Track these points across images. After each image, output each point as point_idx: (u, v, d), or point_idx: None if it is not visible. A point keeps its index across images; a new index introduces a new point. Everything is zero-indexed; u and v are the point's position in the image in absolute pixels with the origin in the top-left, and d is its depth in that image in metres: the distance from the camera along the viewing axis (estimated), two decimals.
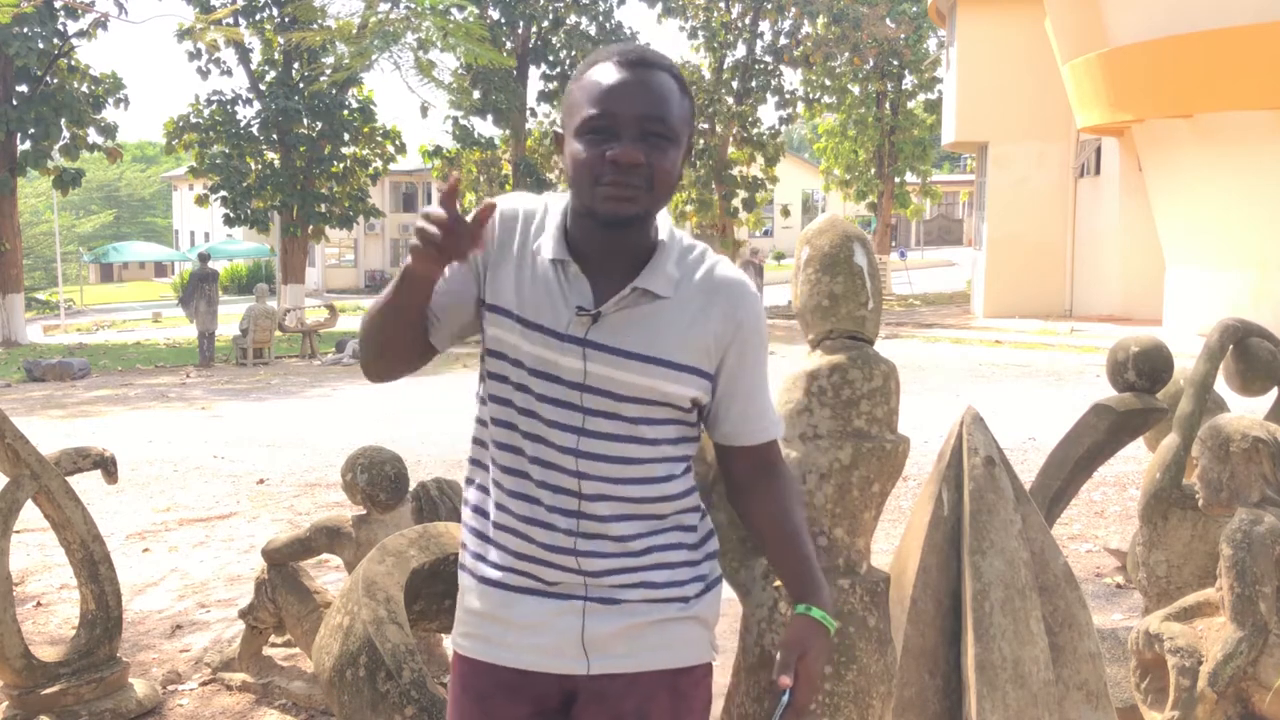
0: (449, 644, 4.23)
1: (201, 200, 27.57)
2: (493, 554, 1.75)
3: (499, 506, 1.75)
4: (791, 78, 42.57)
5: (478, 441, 1.80)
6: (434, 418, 11.24)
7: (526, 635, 1.73)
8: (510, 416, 1.72)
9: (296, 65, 26.07)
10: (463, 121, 27.09)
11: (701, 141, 28.99)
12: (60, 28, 23.11)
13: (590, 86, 1.64)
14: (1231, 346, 3.92)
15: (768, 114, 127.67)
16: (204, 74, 26.67)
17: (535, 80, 28.16)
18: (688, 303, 1.71)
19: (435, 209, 1.54)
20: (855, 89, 30.54)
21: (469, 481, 1.82)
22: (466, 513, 1.83)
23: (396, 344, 1.74)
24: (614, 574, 1.72)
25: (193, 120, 26.36)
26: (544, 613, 1.72)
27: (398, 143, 28.41)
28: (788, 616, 2.00)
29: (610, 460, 1.70)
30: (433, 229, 1.53)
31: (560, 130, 1.72)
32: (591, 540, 1.71)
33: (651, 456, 1.72)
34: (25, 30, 21.76)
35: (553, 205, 1.76)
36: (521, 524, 1.72)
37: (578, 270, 1.68)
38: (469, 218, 1.55)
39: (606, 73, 1.64)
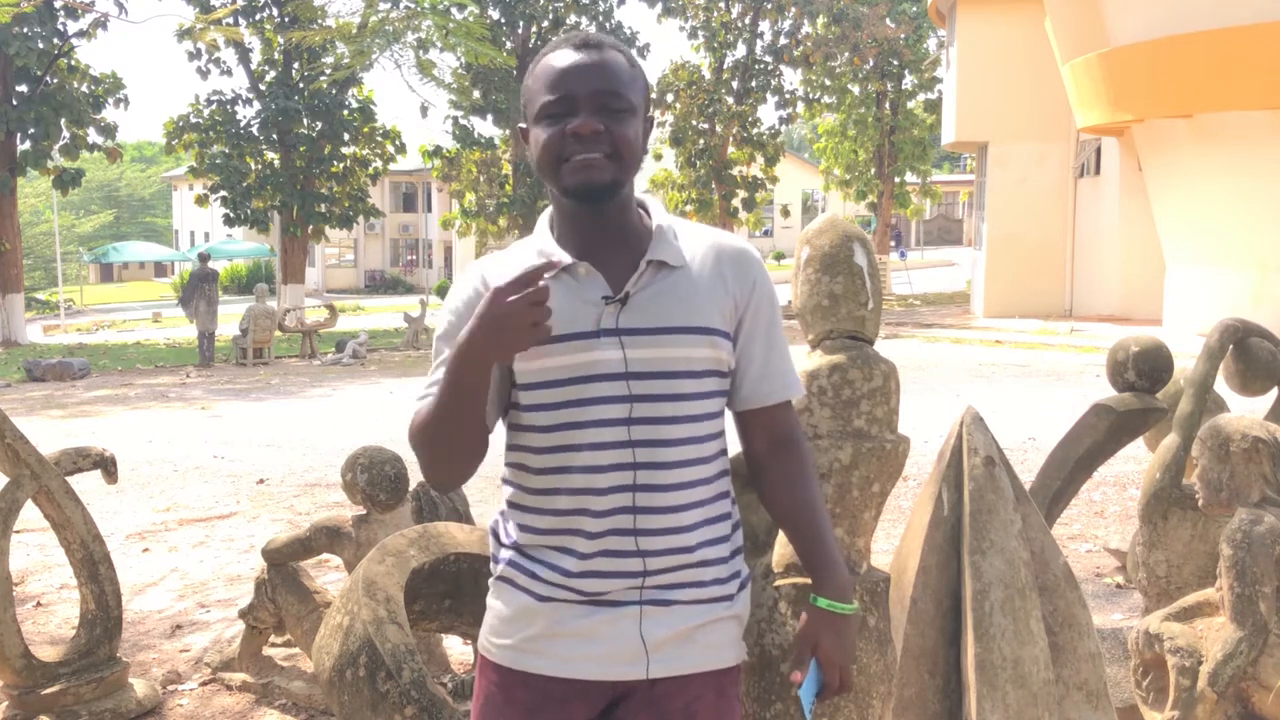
0: (449, 644, 4.24)
1: (201, 200, 27.60)
2: (541, 570, 1.74)
3: (548, 530, 1.74)
4: (791, 78, 42.69)
5: (514, 473, 1.79)
6: None
7: (582, 645, 1.72)
8: (558, 439, 1.70)
9: (296, 65, 26.09)
10: (463, 121, 27.11)
11: (701, 141, 29.00)
12: (60, 28, 23.13)
13: (544, 74, 1.69)
14: (1231, 346, 3.92)
15: (768, 114, 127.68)
16: (204, 74, 26.70)
17: None
18: (702, 270, 1.74)
19: (528, 286, 1.51)
20: (855, 89, 30.54)
21: (516, 492, 1.80)
22: (506, 529, 1.81)
23: (465, 446, 1.66)
24: (668, 571, 1.72)
25: (193, 120, 26.39)
26: (598, 621, 1.71)
27: (398, 143, 28.43)
28: (788, 616, 2.00)
29: (664, 444, 1.69)
30: (538, 292, 1.50)
31: (524, 125, 1.75)
32: (654, 537, 1.70)
33: (700, 434, 1.73)
34: (25, 30, 21.78)
35: (527, 240, 1.79)
36: (569, 538, 1.72)
37: (588, 267, 1.70)
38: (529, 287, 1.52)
39: (558, 58, 1.69)
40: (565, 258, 1.70)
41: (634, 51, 27.59)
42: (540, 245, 1.75)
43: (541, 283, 1.52)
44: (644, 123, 1.73)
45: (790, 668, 1.81)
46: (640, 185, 1.81)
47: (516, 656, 1.76)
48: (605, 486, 1.69)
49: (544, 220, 1.79)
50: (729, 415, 1.84)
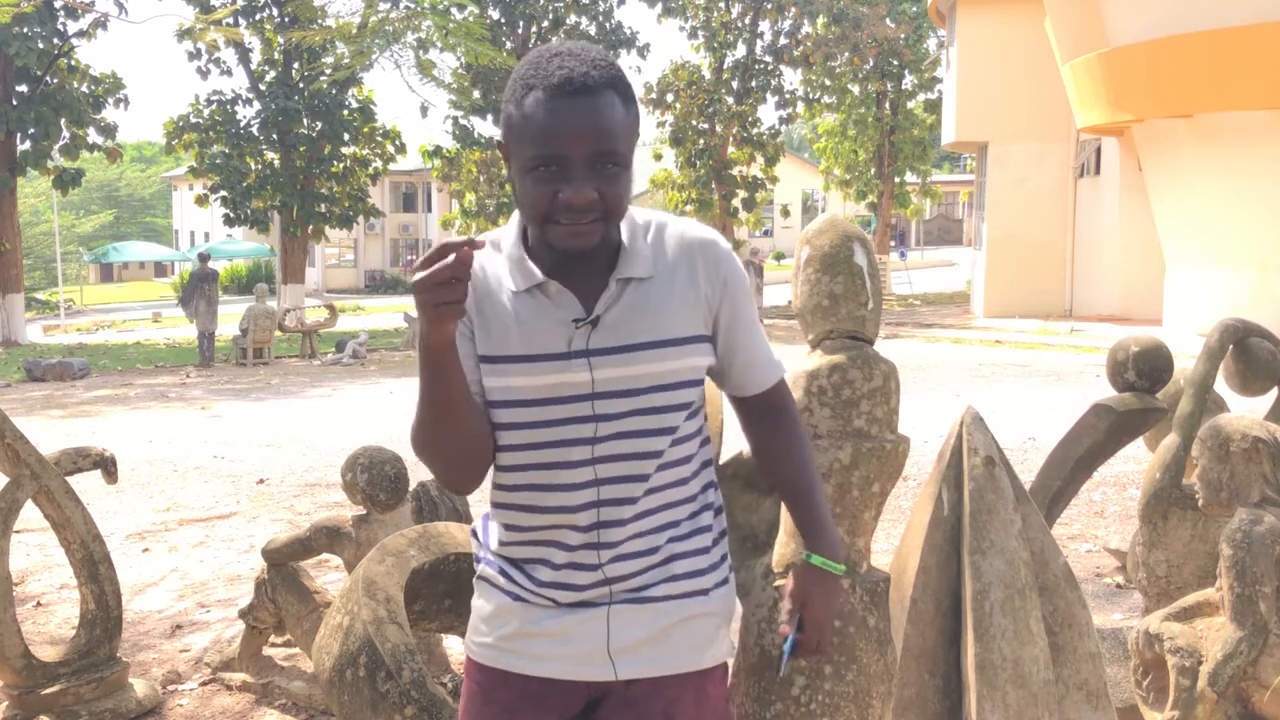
0: (449, 644, 4.24)
1: (201, 200, 27.59)
2: (519, 576, 1.76)
3: (523, 542, 1.75)
4: (791, 78, 42.69)
5: (494, 484, 1.80)
6: None
7: (555, 645, 1.73)
8: (527, 458, 1.71)
9: (296, 65, 26.09)
10: (463, 121, 27.11)
11: (701, 141, 29.00)
12: (60, 28, 23.13)
13: (533, 120, 1.59)
14: (1231, 346, 3.92)
15: (768, 114, 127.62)
16: (204, 74, 26.70)
17: None
18: (671, 274, 1.71)
19: (444, 258, 1.49)
20: (855, 89, 30.55)
21: (494, 508, 1.81)
22: (487, 531, 1.83)
23: (464, 439, 1.67)
24: (639, 574, 1.73)
25: (193, 120, 26.38)
26: (572, 622, 1.72)
27: (398, 143, 28.42)
28: None
29: (630, 459, 1.70)
30: (444, 269, 1.48)
31: (504, 143, 1.67)
32: (615, 547, 1.71)
33: (672, 442, 1.73)
34: (25, 30, 21.78)
35: (502, 239, 1.74)
36: (545, 549, 1.73)
37: (559, 286, 1.67)
38: (454, 260, 1.49)
39: (549, 107, 1.58)
40: (534, 271, 1.68)
41: (634, 52, 27.78)
42: (510, 252, 1.71)
43: (452, 258, 1.48)
44: (632, 153, 1.68)
45: (781, 622, 1.82)
46: (639, 185, 1.80)
47: (495, 655, 1.77)
48: (576, 504, 1.70)
49: (517, 220, 1.73)
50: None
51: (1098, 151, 21.13)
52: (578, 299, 1.67)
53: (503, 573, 1.77)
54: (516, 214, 1.76)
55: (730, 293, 1.75)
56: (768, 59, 29.46)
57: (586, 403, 1.68)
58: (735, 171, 29.29)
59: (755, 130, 29.38)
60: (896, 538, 4.20)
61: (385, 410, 12.37)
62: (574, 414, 1.68)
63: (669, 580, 1.74)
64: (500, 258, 1.73)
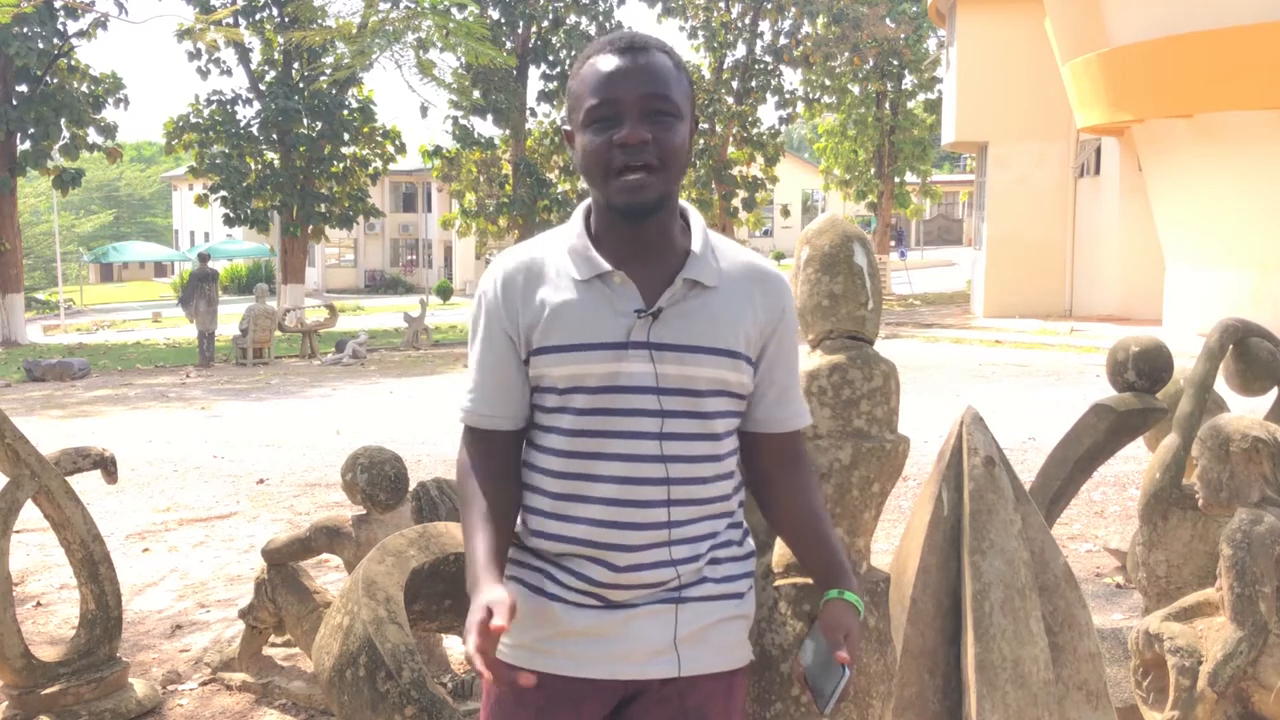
0: (449, 644, 4.24)
1: (201, 200, 27.62)
2: (561, 575, 1.74)
3: (571, 538, 1.73)
4: (791, 78, 42.71)
5: (532, 477, 1.77)
6: (434, 418, 11.25)
7: (592, 645, 1.72)
8: (582, 445, 1.70)
9: (296, 65, 26.10)
10: (463, 121, 27.12)
11: (701, 141, 29.00)
12: (60, 28, 23.15)
13: (589, 78, 1.67)
14: (1231, 346, 3.92)
15: (768, 114, 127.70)
16: (204, 74, 26.72)
17: (535, 80, 28.24)
18: (733, 292, 1.74)
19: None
20: (855, 89, 30.54)
21: (546, 497, 1.78)
22: (522, 532, 1.80)
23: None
24: (692, 573, 1.74)
25: (193, 120, 26.40)
26: (610, 621, 1.72)
27: (398, 143, 28.45)
28: (788, 616, 2.00)
29: (692, 460, 1.71)
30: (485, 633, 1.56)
31: (568, 128, 1.73)
32: (682, 545, 1.72)
33: (722, 452, 1.75)
34: (25, 30, 21.80)
35: (562, 233, 1.76)
36: (601, 550, 1.71)
37: (624, 276, 1.69)
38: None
39: (603, 62, 1.67)
40: (600, 260, 1.69)
41: None
42: (574, 244, 1.73)
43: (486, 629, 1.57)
44: (690, 126, 1.72)
45: (830, 648, 1.75)
46: None
47: (529, 656, 1.75)
48: (640, 499, 1.69)
49: (581, 214, 1.76)
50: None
51: (1098, 151, 21.13)
52: (641, 294, 1.69)
53: (542, 573, 1.75)
54: (580, 207, 1.78)
55: (784, 325, 1.79)
56: (768, 59, 29.47)
57: (652, 396, 1.68)
58: (735, 171, 29.29)
59: (755, 130, 29.40)
60: (896, 538, 4.20)
61: (385, 410, 12.37)
62: (639, 406, 1.68)
63: (708, 581, 1.75)
64: (561, 250, 1.74)
